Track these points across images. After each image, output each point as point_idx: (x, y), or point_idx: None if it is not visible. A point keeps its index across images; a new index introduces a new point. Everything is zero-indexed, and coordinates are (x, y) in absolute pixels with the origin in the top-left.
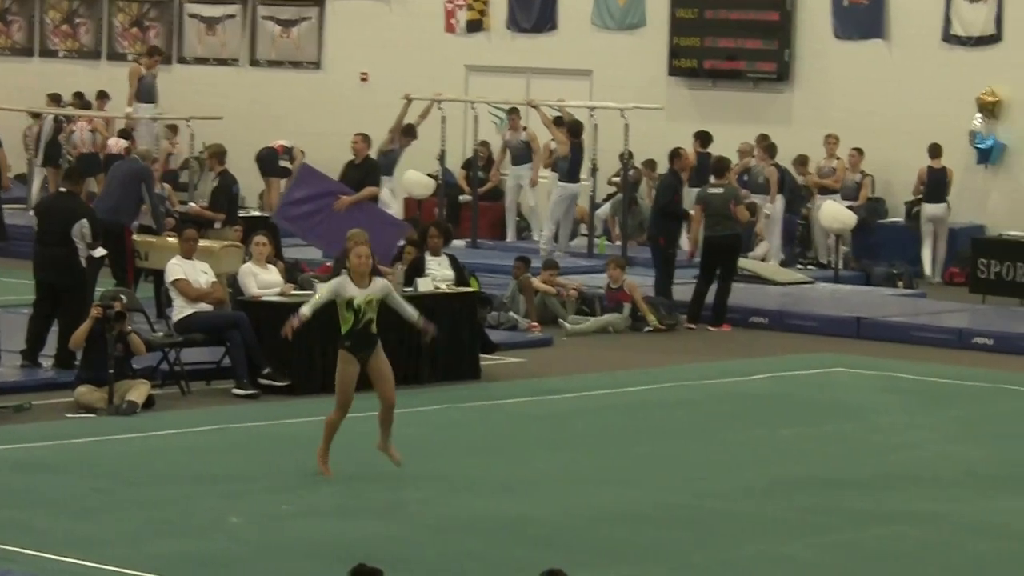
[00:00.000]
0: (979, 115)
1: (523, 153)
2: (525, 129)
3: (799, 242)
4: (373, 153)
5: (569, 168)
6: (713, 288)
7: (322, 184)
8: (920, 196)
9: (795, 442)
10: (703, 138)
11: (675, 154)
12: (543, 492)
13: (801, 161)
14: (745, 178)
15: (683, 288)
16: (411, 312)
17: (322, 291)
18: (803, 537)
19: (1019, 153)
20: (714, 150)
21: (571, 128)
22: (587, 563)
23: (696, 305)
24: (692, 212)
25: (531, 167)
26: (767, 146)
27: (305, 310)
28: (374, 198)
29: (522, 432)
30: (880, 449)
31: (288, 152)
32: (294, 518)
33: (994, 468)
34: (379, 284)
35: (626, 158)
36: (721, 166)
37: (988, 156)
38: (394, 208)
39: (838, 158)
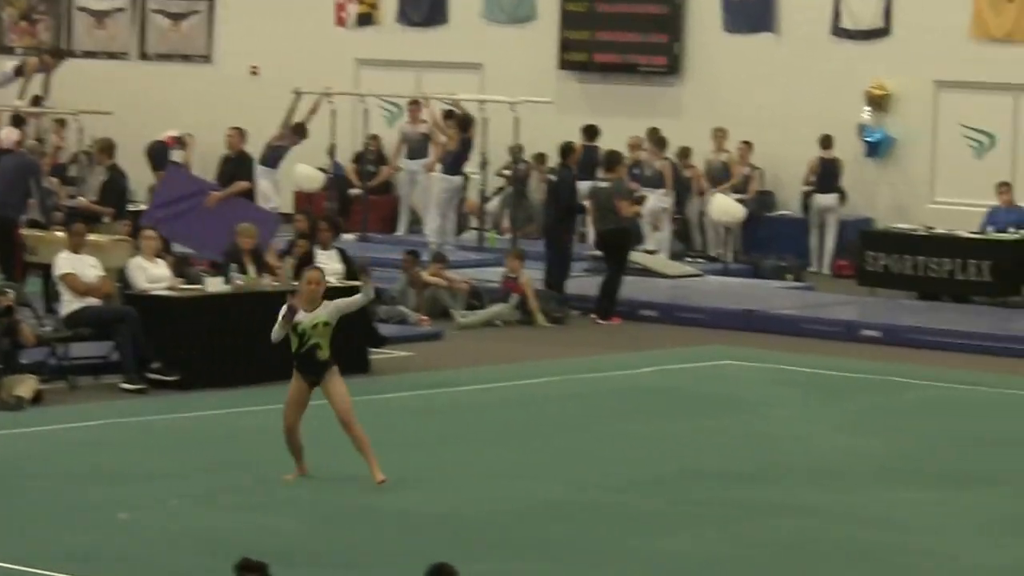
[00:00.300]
0: (868, 108)
1: (420, 146)
2: (424, 122)
3: (677, 237)
4: (261, 146)
5: (453, 161)
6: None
7: (190, 184)
8: (812, 186)
9: (683, 435)
10: (590, 132)
11: (568, 149)
12: (432, 486)
13: (683, 154)
14: (636, 172)
15: (574, 282)
16: (360, 298)
17: (280, 318)
18: (690, 529)
19: (907, 146)
20: (605, 144)
21: (461, 122)
22: (475, 557)
23: (604, 296)
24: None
25: (426, 162)
26: (657, 139)
27: (274, 334)
28: (245, 193)
29: (411, 426)
30: (767, 441)
31: (179, 142)
32: (183, 512)
33: (880, 460)
34: (328, 307)
35: (516, 152)
36: (612, 160)
37: (877, 149)
38: (275, 202)
39: (727, 151)
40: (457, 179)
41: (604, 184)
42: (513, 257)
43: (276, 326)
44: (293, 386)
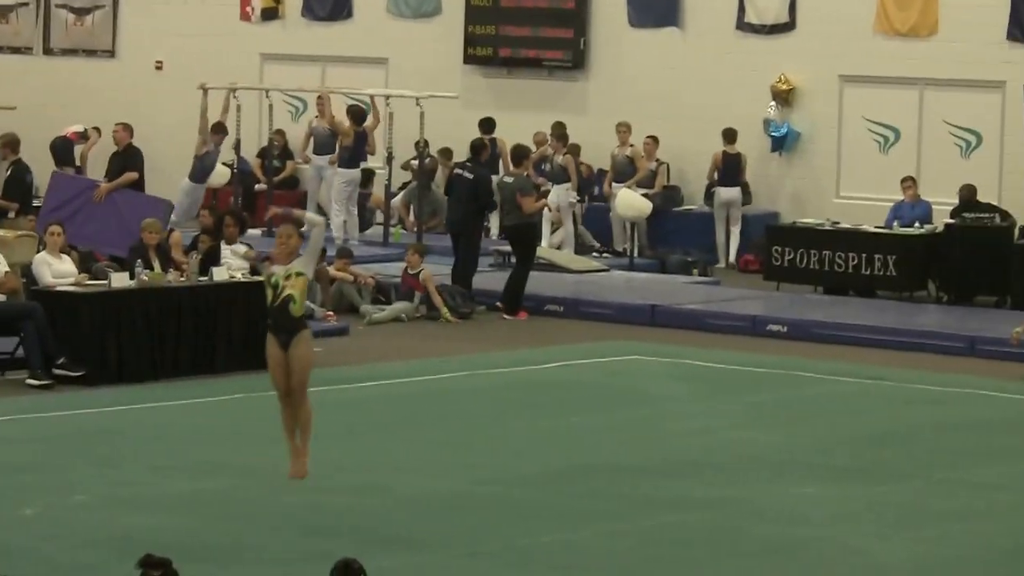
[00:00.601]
0: (773, 103)
1: (328, 142)
2: (333, 118)
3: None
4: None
5: (350, 155)
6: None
7: (75, 185)
8: (715, 181)
9: (587, 429)
10: (486, 125)
11: (480, 146)
12: (338, 480)
13: (575, 152)
14: (544, 167)
15: (479, 277)
16: (316, 232)
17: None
18: (593, 524)
19: (812, 141)
20: (510, 138)
21: (354, 116)
22: (380, 551)
23: (509, 292)
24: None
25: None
26: (560, 134)
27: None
28: (133, 184)
29: (317, 421)
30: (672, 436)
31: (82, 136)
32: (89, 509)
33: (785, 454)
34: (302, 257)
35: (422, 146)
36: (518, 154)
37: (782, 144)
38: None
39: (632, 146)
40: (354, 172)
41: (508, 179)
42: (413, 252)
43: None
44: (270, 352)
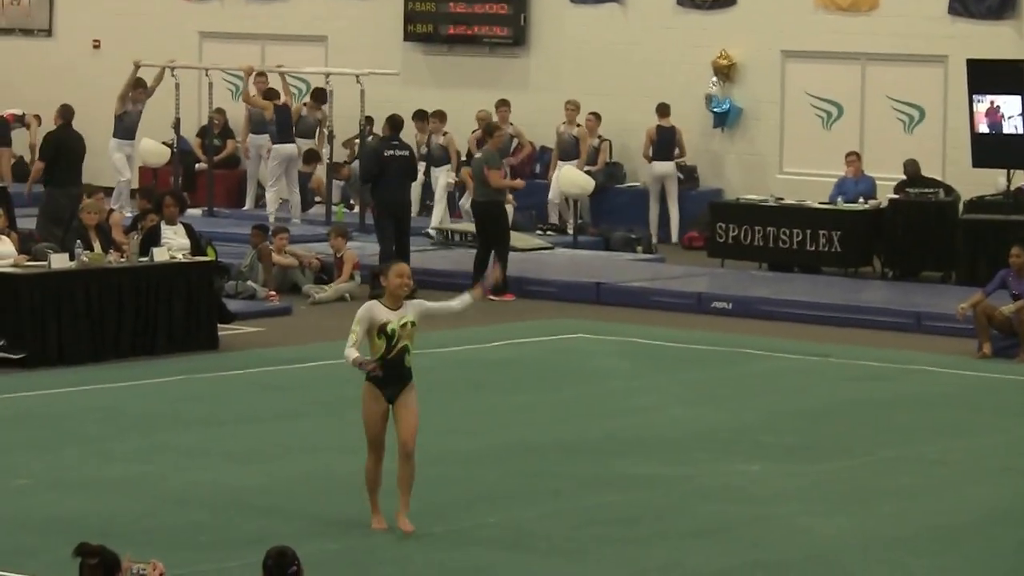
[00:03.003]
0: (714, 79)
1: (264, 120)
2: (249, 95)
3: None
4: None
5: (277, 131)
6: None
7: None
8: (650, 155)
9: (531, 408)
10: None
11: (401, 121)
12: (278, 462)
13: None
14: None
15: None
16: (456, 304)
17: (355, 326)
18: (538, 503)
19: (754, 117)
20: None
21: (266, 94)
22: (321, 533)
23: (478, 272)
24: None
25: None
26: (504, 112)
27: (350, 352)
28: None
29: (259, 402)
30: (617, 413)
31: (19, 119)
32: (28, 493)
33: (729, 432)
34: (413, 304)
35: (363, 124)
36: (489, 130)
37: (724, 120)
38: (126, 176)
39: (579, 125)
40: (287, 148)
41: (477, 155)
42: (336, 235)
43: (351, 338)
44: (369, 411)
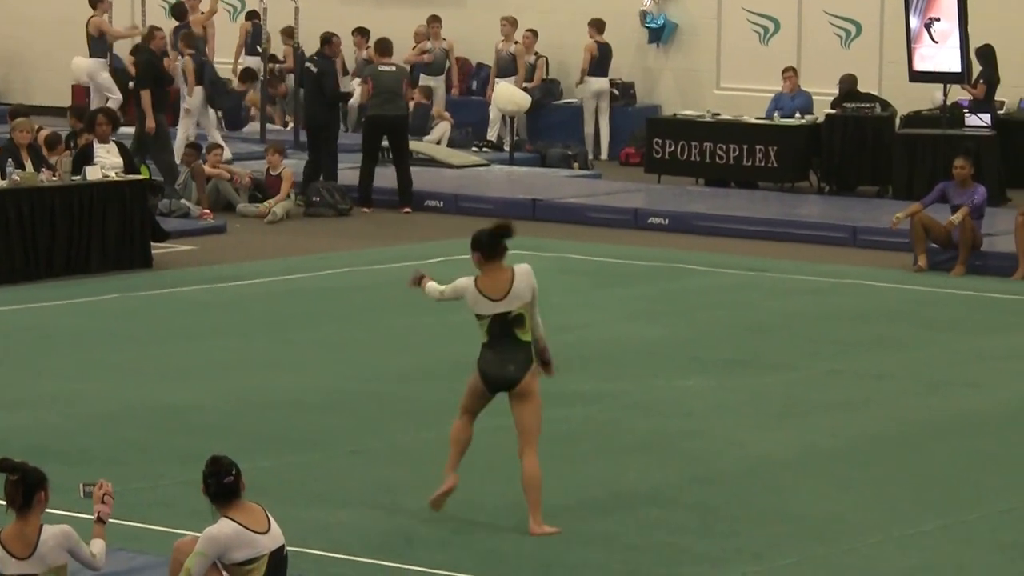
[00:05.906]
0: None
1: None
2: (203, 13)
3: None
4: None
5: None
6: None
7: None
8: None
9: (468, 325)
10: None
11: (327, 39)
12: (213, 379)
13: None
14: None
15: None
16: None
17: (452, 286)
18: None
19: (690, 33)
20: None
21: (173, 10)
22: (255, 450)
23: (366, 187)
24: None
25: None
26: (435, 28)
27: (431, 287)
28: None
29: (194, 320)
30: (553, 330)
31: None
32: None
33: (666, 347)
34: (529, 304)
35: (296, 44)
36: (385, 47)
37: (660, 35)
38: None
39: (517, 43)
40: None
41: (386, 68)
42: (273, 152)
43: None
44: (470, 385)
